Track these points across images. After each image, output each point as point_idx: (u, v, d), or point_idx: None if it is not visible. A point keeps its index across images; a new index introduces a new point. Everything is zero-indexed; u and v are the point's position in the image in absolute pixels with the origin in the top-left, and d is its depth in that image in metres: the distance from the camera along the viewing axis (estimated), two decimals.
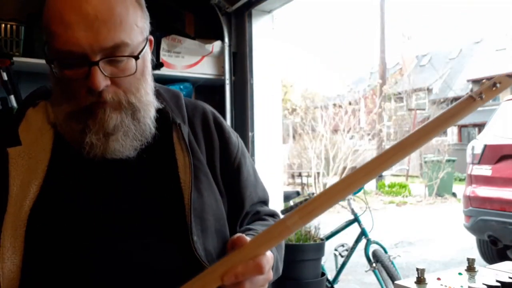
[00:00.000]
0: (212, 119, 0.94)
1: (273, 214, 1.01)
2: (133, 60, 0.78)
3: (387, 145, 14.09)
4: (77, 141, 0.79)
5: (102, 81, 0.74)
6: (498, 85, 0.74)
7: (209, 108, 0.97)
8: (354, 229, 3.40)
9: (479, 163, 4.47)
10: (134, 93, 0.80)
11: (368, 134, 10.86)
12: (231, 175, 0.93)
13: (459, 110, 0.73)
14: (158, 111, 0.86)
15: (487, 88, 0.75)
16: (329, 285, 3.34)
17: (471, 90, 0.77)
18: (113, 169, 0.81)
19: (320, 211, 0.69)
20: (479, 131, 7.22)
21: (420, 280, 0.77)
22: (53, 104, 0.82)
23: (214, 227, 0.83)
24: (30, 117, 0.85)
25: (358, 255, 3.64)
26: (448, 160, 10.70)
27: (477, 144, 4.59)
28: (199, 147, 0.88)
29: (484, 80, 0.76)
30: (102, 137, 0.78)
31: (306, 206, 0.70)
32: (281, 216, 0.94)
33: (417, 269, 0.78)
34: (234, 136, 0.97)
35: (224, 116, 2.47)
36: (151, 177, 0.82)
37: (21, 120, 0.84)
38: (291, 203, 3.61)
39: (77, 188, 0.79)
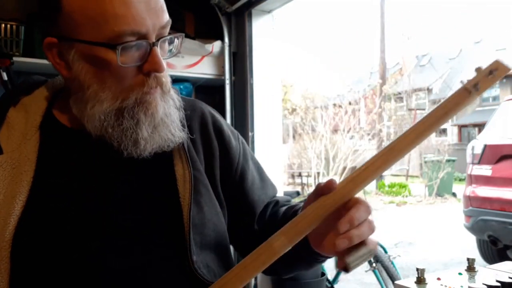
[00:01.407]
0: (211, 123, 0.87)
1: (288, 200, 0.96)
2: (175, 40, 0.76)
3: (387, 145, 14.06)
4: (127, 140, 0.72)
5: (163, 62, 0.70)
6: (494, 72, 0.66)
7: (207, 108, 0.90)
8: None
9: (479, 163, 4.47)
10: (167, 78, 0.75)
11: (368, 134, 10.86)
12: (235, 183, 0.87)
13: (454, 105, 0.66)
14: None
15: (483, 77, 0.66)
16: (329, 285, 3.34)
17: (463, 82, 0.70)
18: (106, 180, 0.75)
19: (308, 228, 0.65)
20: (479, 131, 7.21)
21: (420, 280, 0.77)
22: (85, 103, 0.72)
23: (215, 242, 0.79)
24: (12, 119, 0.75)
25: None
26: (448, 160, 10.70)
27: (477, 144, 4.59)
28: (198, 155, 0.82)
29: (478, 67, 0.67)
30: (152, 130, 0.73)
31: (293, 226, 0.65)
32: (294, 203, 0.91)
33: (417, 269, 0.78)
34: (235, 139, 0.90)
35: (224, 116, 2.47)
36: (148, 190, 0.76)
37: (2, 124, 0.75)
38: None
39: (67, 203, 0.72)
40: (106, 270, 0.70)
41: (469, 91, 0.66)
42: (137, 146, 0.72)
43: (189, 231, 0.73)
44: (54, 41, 0.71)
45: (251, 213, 0.88)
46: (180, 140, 0.77)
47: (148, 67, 0.70)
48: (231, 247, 0.91)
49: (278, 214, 0.89)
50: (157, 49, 0.70)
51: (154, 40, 0.70)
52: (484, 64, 0.70)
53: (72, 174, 0.74)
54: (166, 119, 0.75)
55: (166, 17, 0.72)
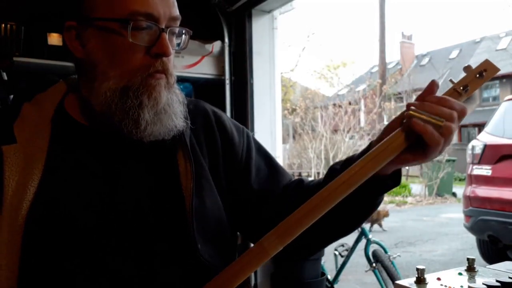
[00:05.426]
0: (214, 120, 0.90)
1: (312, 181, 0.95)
2: (182, 36, 0.82)
3: None
4: (128, 119, 0.75)
5: (170, 47, 0.76)
6: (484, 73, 0.67)
7: (210, 107, 0.94)
8: None
9: (479, 163, 4.47)
10: (173, 73, 0.80)
11: (368, 134, 10.85)
12: (239, 177, 0.89)
13: None
14: None
15: (473, 79, 0.67)
16: (329, 285, 3.34)
17: (452, 82, 0.70)
18: (112, 174, 0.78)
19: (300, 227, 0.66)
20: (479, 131, 7.20)
21: (420, 280, 0.77)
22: (94, 82, 0.76)
23: (216, 234, 0.82)
24: (26, 112, 0.80)
25: (358, 255, 3.64)
26: (448, 160, 10.69)
27: (477, 144, 4.59)
28: (201, 151, 0.85)
29: (467, 65, 0.69)
30: (154, 116, 0.76)
31: (282, 224, 0.67)
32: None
33: (417, 269, 0.78)
34: (238, 135, 0.92)
35: None
36: (152, 182, 0.80)
37: (17, 116, 0.79)
38: None
39: (76, 190, 0.76)
40: (112, 260, 0.73)
41: (459, 93, 0.68)
42: (138, 127, 0.75)
43: (192, 221, 0.76)
44: (73, 24, 0.77)
45: (258, 203, 0.89)
46: (181, 129, 0.80)
47: (155, 50, 0.75)
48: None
49: (309, 185, 0.88)
50: (166, 35, 0.76)
51: (164, 27, 0.76)
52: (474, 63, 0.70)
53: (80, 166, 0.78)
54: (169, 109, 0.78)
55: (177, 11, 0.79)
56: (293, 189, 0.89)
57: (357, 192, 0.69)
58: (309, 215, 0.67)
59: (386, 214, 6.93)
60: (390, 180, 0.76)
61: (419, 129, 0.66)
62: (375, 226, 6.93)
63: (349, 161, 0.78)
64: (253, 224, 0.89)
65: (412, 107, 0.67)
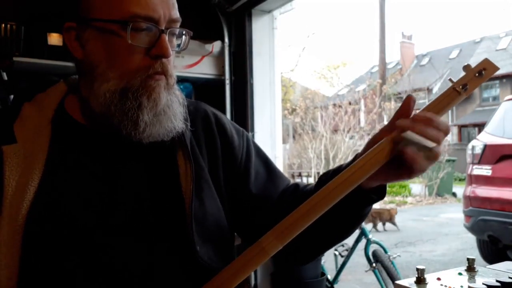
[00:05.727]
0: (214, 122, 0.90)
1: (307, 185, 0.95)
2: (182, 37, 0.82)
3: None
4: (128, 120, 0.75)
5: (170, 48, 0.76)
6: (483, 72, 0.68)
7: (210, 109, 0.94)
8: None
9: (479, 163, 4.46)
10: (172, 74, 0.79)
11: (368, 134, 10.85)
12: (238, 180, 0.89)
13: (444, 106, 0.68)
14: None
15: (472, 78, 0.68)
16: (329, 285, 3.33)
17: (452, 81, 0.70)
18: (112, 175, 0.78)
19: (298, 227, 0.66)
20: (479, 131, 7.20)
21: (420, 280, 0.77)
22: (93, 83, 0.76)
23: (216, 235, 0.82)
24: (26, 112, 0.80)
25: (358, 255, 3.64)
26: (448, 160, 10.69)
27: (477, 144, 4.59)
28: (201, 152, 0.85)
29: (467, 64, 0.69)
30: (153, 117, 0.75)
31: (281, 224, 0.67)
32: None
33: (417, 269, 0.78)
34: (238, 137, 0.92)
35: None
36: (152, 183, 0.80)
37: (17, 116, 0.80)
38: None
39: (76, 191, 0.76)
40: (112, 259, 0.73)
41: (459, 92, 0.68)
42: (137, 128, 0.75)
43: (191, 223, 0.76)
44: (72, 25, 0.77)
45: (256, 207, 0.89)
46: (181, 131, 0.80)
47: (155, 51, 0.75)
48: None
49: (303, 191, 0.88)
50: (165, 36, 0.75)
51: (163, 28, 0.75)
52: (473, 63, 0.71)
53: (80, 166, 0.78)
54: (168, 110, 0.78)
55: (177, 12, 0.78)
56: (290, 194, 0.89)
57: (343, 203, 0.69)
58: (304, 218, 0.68)
59: (396, 212, 7.08)
60: (375, 194, 0.76)
61: (411, 159, 0.65)
62: (379, 225, 6.97)
63: (337, 172, 0.78)
64: (251, 227, 0.89)
65: (408, 132, 0.65)
